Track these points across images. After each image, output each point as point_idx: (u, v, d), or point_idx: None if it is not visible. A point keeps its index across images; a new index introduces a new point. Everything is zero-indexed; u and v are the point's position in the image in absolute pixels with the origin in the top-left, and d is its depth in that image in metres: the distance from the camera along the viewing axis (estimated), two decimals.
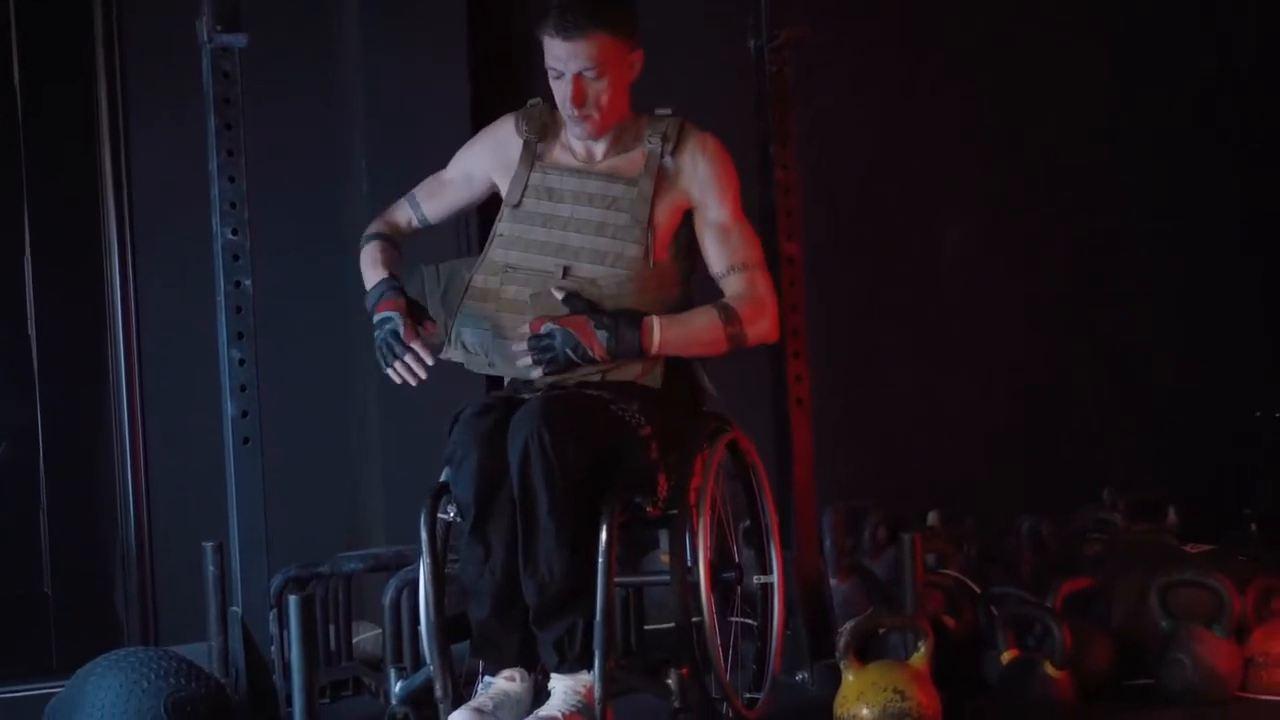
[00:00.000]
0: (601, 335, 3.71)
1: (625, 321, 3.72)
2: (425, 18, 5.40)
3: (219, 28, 4.11)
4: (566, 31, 3.75)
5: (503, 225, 3.92)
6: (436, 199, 4.08)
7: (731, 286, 3.86)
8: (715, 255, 3.87)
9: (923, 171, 6.14)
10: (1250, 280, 6.48)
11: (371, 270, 3.97)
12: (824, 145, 5.53)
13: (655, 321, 3.75)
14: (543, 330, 3.73)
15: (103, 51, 5.23)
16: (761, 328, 3.86)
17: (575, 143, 3.92)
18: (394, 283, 3.90)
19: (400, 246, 4.03)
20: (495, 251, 3.91)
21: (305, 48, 5.42)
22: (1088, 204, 6.35)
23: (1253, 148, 6.49)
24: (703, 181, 3.86)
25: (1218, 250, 6.46)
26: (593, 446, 3.60)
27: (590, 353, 3.71)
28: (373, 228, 4.05)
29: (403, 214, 4.08)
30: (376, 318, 3.85)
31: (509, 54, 5.57)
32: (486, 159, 4.01)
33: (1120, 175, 6.39)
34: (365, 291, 3.95)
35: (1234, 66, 6.52)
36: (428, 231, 4.15)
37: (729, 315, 3.81)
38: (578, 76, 3.78)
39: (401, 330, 3.79)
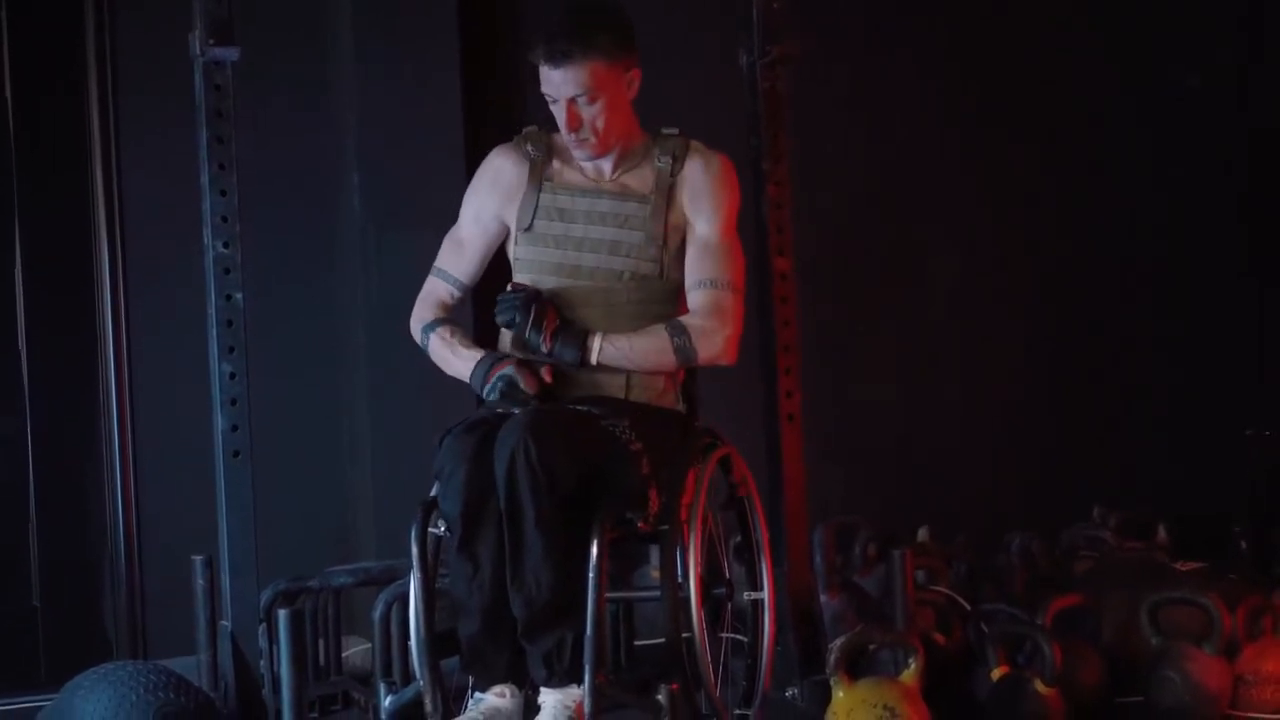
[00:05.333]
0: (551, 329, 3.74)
1: (570, 330, 3.76)
2: (418, 34, 5.41)
3: (211, 41, 4.10)
4: (556, 60, 3.73)
5: (518, 249, 3.91)
6: (463, 259, 3.98)
7: (696, 301, 3.85)
8: (692, 268, 3.86)
9: (915, 187, 6.15)
10: (1242, 298, 6.49)
11: (456, 358, 3.87)
12: (816, 160, 5.54)
13: (597, 338, 3.77)
14: (512, 289, 3.79)
15: (94, 64, 5.23)
16: (714, 347, 3.82)
17: (584, 162, 3.92)
18: (494, 353, 3.84)
19: (460, 323, 3.96)
20: (516, 278, 3.90)
21: (298, 62, 5.43)
22: (1080, 220, 6.36)
23: (1252, 167, 6.51)
24: (698, 195, 3.86)
25: (1210, 269, 6.47)
26: (581, 460, 3.60)
27: (541, 337, 3.74)
28: (423, 317, 3.95)
29: (440, 290, 3.98)
30: (489, 384, 3.77)
31: (501, 71, 5.59)
32: (491, 197, 3.95)
33: (1113, 193, 6.40)
34: (466, 377, 3.84)
35: (1232, 86, 6.53)
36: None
37: (677, 330, 3.80)
38: (571, 102, 3.77)
39: (521, 380, 3.74)
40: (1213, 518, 5.81)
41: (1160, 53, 6.44)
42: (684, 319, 3.82)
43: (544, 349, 3.75)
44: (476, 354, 3.85)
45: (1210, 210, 6.49)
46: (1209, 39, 6.52)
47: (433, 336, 3.92)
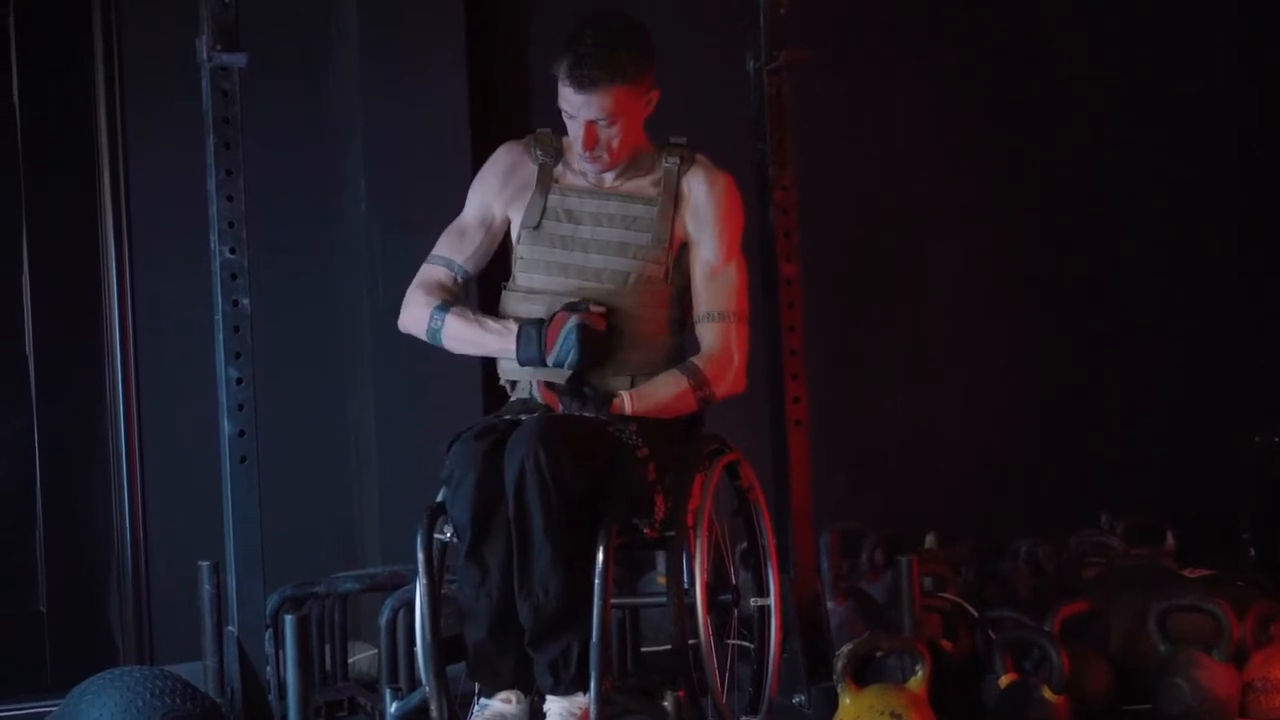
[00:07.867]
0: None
1: (594, 402, 3.74)
2: (425, 37, 5.41)
3: (218, 47, 4.09)
4: (580, 84, 3.74)
5: (522, 248, 3.92)
6: (465, 247, 3.97)
7: (705, 337, 3.87)
8: (700, 296, 3.89)
9: (919, 193, 6.14)
10: (1250, 303, 6.47)
11: (487, 333, 3.83)
12: (822, 165, 5.53)
13: (626, 398, 3.77)
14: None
15: (102, 70, 5.23)
16: (727, 384, 3.87)
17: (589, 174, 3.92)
18: (532, 318, 3.80)
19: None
20: (519, 275, 3.91)
21: (304, 67, 5.43)
22: (1084, 225, 6.34)
23: (1255, 168, 6.49)
24: (703, 216, 3.87)
25: (1217, 272, 6.46)
26: (589, 467, 3.60)
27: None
28: (427, 301, 3.90)
29: (439, 273, 3.95)
30: (559, 344, 3.72)
31: (508, 74, 5.58)
32: (499, 191, 3.97)
33: (1116, 197, 6.39)
34: (500, 352, 3.83)
35: (1233, 86, 6.52)
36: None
37: (697, 380, 3.83)
38: (590, 123, 3.78)
39: (591, 324, 3.72)
40: (1221, 523, 5.79)
41: (1160, 54, 6.42)
42: (699, 362, 3.84)
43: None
44: (511, 323, 3.81)
45: (1215, 212, 6.47)
46: (1209, 39, 6.51)
47: (449, 316, 3.87)
